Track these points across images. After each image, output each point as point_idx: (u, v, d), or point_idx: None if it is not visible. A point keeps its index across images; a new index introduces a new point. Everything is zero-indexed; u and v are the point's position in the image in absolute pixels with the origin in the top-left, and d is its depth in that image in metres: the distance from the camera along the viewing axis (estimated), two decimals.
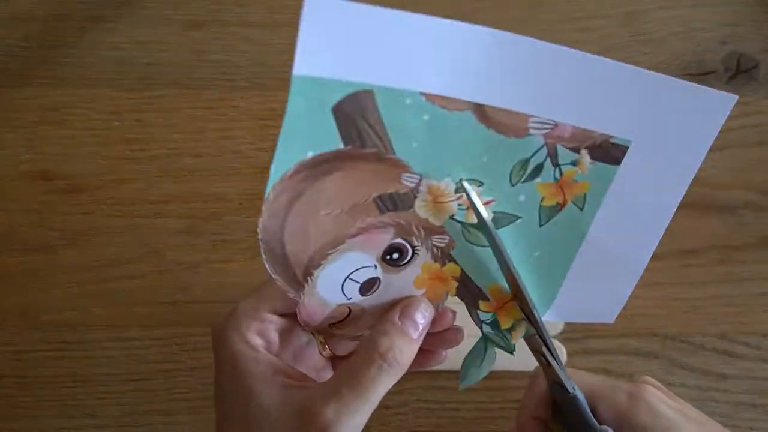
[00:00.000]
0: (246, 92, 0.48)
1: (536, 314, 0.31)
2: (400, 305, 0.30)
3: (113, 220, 0.46)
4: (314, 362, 0.34)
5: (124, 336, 0.45)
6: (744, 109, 0.48)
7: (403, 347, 0.29)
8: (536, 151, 0.29)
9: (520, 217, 0.30)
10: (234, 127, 0.47)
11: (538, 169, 0.29)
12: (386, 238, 0.29)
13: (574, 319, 0.34)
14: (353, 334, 0.32)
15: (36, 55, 0.48)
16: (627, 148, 0.29)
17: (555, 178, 0.30)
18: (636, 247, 0.32)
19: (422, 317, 0.30)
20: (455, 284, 0.31)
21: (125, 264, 0.46)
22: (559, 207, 0.31)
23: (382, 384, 0.28)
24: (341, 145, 0.27)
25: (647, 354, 0.45)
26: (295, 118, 0.26)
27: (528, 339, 0.32)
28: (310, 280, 0.29)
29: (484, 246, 0.30)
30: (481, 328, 0.32)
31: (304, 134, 0.26)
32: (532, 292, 0.32)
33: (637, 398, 0.32)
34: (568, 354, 0.44)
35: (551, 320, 0.34)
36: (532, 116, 0.28)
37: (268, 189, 0.27)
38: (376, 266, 0.30)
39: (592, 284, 0.32)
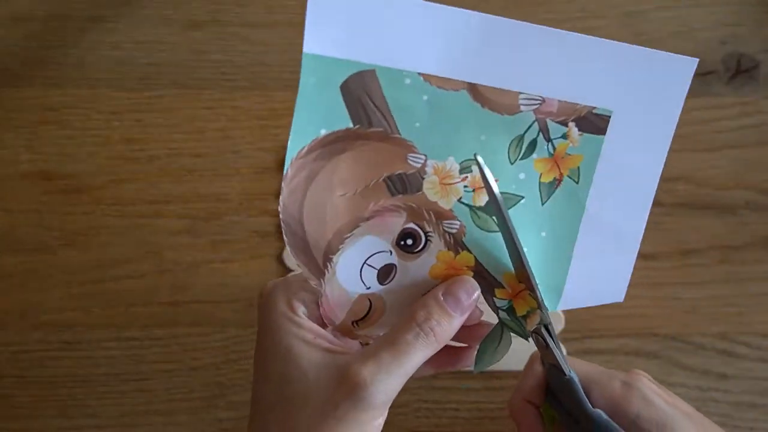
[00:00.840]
0: (246, 92, 0.48)
1: (538, 293, 0.31)
2: (446, 283, 0.31)
3: (113, 220, 0.46)
4: (353, 343, 0.34)
5: (124, 336, 0.45)
6: (744, 109, 0.48)
7: (441, 320, 0.29)
8: (529, 127, 0.30)
9: (522, 197, 0.31)
10: (234, 127, 0.47)
11: (533, 145, 0.31)
12: (399, 221, 0.30)
13: (586, 304, 0.34)
14: (376, 334, 0.32)
15: (36, 55, 0.48)
16: (609, 117, 0.31)
17: (549, 153, 0.31)
18: (631, 216, 0.33)
19: (466, 296, 0.30)
20: (471, 274, 0.31)
21: (125, 264, 0.46)
22: (557, 182, 0.32)
23: (418, 351, 0.29)
24: (350, 124, 0.28)
25: (647, 354, 0.45)
26: (306, 96, 0.28)
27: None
28: (329, 267, 0.30)
29: (494, 231, 0.31)
30: (497, 314, 0.32)
31: (316, 112, 0.28)
32: (542, 278, 0.32)
33: (631, 387, 0.32)
34: (568, 354, 0.44)
35: (564, 308, 0.34)
36: (521, 93, 0.30)
37: (287, 166, 0.28)
38: (391, 252, 0.31)
39: (597, 262, 0.33)
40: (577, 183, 0.32)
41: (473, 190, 0.31)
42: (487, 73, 0.29)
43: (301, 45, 0.52)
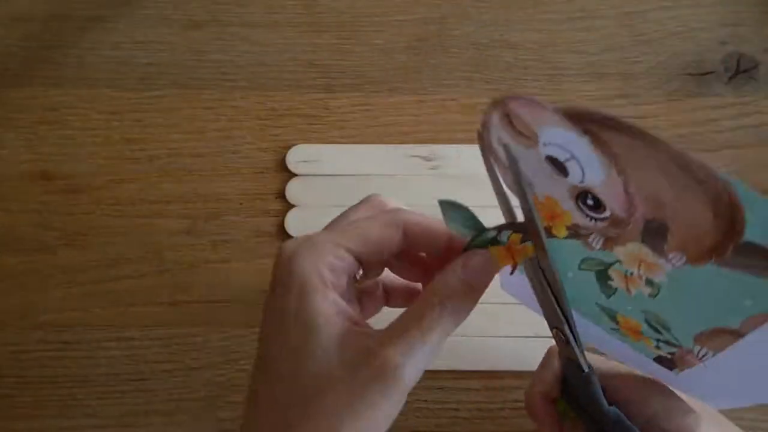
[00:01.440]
0: (246, 92, 0.48)
1: (557, 288, 0.30)
2: (464, 256, 0.29)
3: (113, 220, 0.46)
4: (368, 314, 0.34)
5: (124, 336, 0.45)
6: (744, 109, 0.48)
7: (463, 296, 0.28)
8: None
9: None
10: (234, 127, 0.47)
11: None
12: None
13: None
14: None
15: (36, 55, 0.48)
16: None
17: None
18: None
19: (484, 269, 0.29)
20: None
21: (125, 264, 0.46)
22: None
23: (445, 329, 0.28)
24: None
25: None
26: None
27: (548, 317, 0.32)
28: None
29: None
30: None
31: None
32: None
33: (649, 386, 0.32)
34: None
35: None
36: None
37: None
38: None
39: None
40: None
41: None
42: None
43: (301, 45, 0.52)
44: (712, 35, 0.49)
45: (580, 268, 0.29)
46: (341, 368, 0.26)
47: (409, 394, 0.31)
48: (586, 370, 0.32)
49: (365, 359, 0.26)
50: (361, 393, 0.26)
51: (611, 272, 0.28)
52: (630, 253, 0.27)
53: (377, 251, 0.30)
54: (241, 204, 0.47)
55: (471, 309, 0.29)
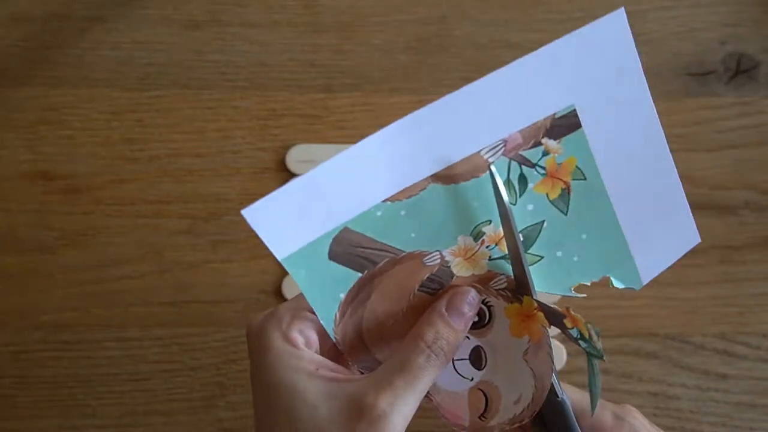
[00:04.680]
0: (246, 92, 0.48)
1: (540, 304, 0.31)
2: (447, 296, 0.30)
3: (113, 220, 0.46)
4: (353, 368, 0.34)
5: (124, 336, 0.45)
6: (744, 109, 0.48)
7: (450, 338, 0.29)
8: (508, 170, 0.30)
9: (543, 220, 0.31)
10: (234, 127, 0.47)
11: (523, 179, 0.31)
12: None
13: (668, 263, 0.33)
14: (507, 418, 0.32)
15: (36, 55, 0.48)
16: (574, 110, 0.30)
17: (543, 174, 0.31)
18: (655, 169, 0.32)
19: (468, 308, 0.30)
20: (542, 315, 0.31)
21: (125, 264, 0.46)
22: (567, 190, 0.31)
23: (431, 373, 0.28)
24: (359, 274, 0.30)
25: (647, 354, 0.45)
26: (309, 285, 0.29)
27: None
28: None
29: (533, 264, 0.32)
30: (578, 344, 0.32)
31: (325, 288, 0.29)
32: (611, 271, 0.32)
33: (622, 420, 0.33)
34: (569, 354, 0.45)
35: (649, 279, 0.33)
36: (481, 149, 0.30)
37: (331, 334, 0.30)
38: (468, 337, 0.31)
39: (651, 225, 0.32)
40: (585, 179, 0.31)
41: (495, 245, 0.31)
42: (441, 158, 0.29)
43: (301, 45, 0.52)
44: (712, 35, 0.49)
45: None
46: (330, 422, 0.27)
47: None
48: (561, 396, 0.32)
49: (354, 411, 0.27)
50: None
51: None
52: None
53: None
54: (241, 204, 0.46)
55: (458, 347, 0.30)
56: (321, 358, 0.29)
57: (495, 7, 0.49)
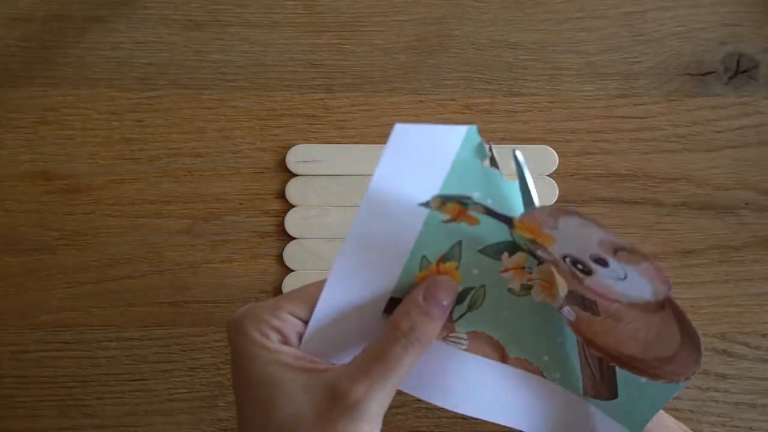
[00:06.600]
0: (246, 92, 0.48)
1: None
2: (424, 285, 0.30)
3: (113, 220, 0.46)
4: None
5: (124, 336, 0.45)
6: (744, 109, 0.48)
7: (426, 327, 0.29)
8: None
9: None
10: (234, 127, 0.47)
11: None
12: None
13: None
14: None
15: (36, 55, 0.48)
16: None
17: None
18: None
19: (445, 296, 0.30)
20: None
21: (125, 264, 0.46)
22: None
23: (408, 361, 0.29)
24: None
25: None
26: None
27: None
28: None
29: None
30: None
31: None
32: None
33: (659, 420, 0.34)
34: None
35: None
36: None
37: None
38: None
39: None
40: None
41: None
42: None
43: (300, 45, 0.52)
44: (712, 35, 0.49)
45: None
46: (309, 410, 0.27)
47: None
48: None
49: (331, 398, 0.27)
50: (333, 427, 0.27)
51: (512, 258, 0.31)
52: (547, 271, 0.31)
53: None
54: (241, 204, 0.47)
55: (435, 335, 0.30)
56: (299, 351, 0.30)
57: (495, 7, 0.49)
